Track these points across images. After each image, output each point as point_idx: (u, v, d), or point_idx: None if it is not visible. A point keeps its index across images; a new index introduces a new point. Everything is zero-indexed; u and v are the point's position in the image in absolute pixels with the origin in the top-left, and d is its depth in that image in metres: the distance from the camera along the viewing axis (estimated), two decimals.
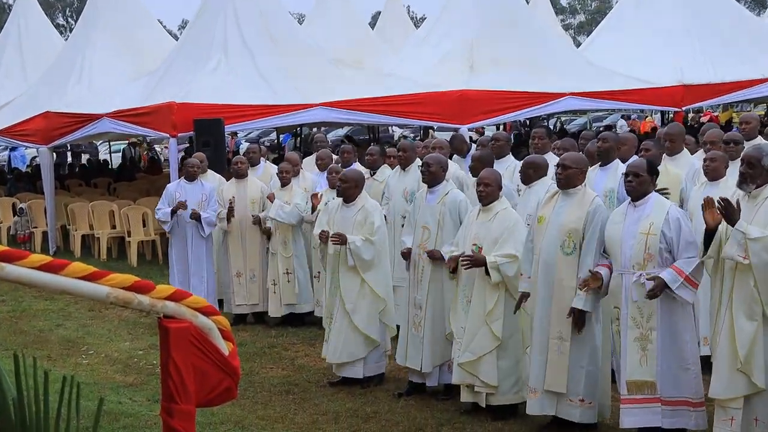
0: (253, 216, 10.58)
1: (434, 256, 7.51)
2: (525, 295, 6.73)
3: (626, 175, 6.37)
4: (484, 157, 8.54)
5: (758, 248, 5.75)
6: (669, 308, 6.15)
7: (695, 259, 6.08)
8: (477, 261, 6.96)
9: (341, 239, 7.98)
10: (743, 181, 6.01)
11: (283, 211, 10.14)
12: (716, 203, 5.88)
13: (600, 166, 8.09)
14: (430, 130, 22.03)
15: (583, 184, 6.75)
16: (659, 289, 6.07)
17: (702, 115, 30.38)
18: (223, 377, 3.20)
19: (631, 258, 6.21)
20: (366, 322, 8.07)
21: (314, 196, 10.01)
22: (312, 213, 9.97)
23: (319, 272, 9.97)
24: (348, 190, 8.15)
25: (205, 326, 3.12)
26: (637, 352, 6.17)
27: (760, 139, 8.99)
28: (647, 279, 6.11)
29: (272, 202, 10.25)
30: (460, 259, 7.03)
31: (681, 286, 6.04)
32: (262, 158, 12.67)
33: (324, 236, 8.11)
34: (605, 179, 7.92)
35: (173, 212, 10.49)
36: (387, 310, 8.15)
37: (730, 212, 5.83)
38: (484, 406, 7.06)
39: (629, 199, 6.41)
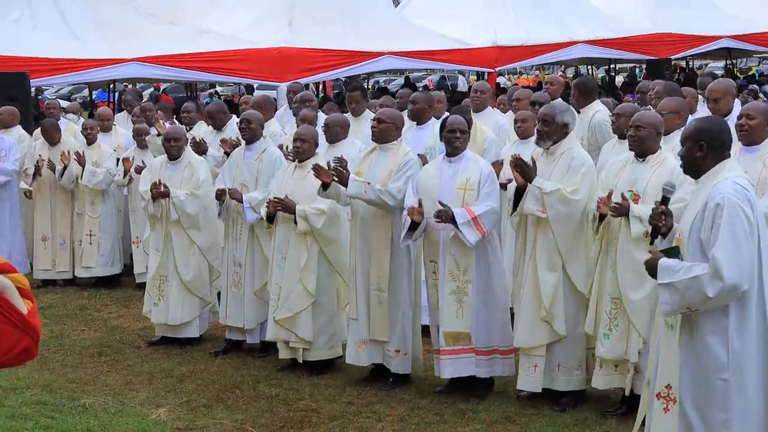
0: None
1: (233, 196, 7.46)
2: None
3: (450, 131, 6.47)
4: None
5: (553, 201, 6.03)
6: (485, 261, 6.35)
7: (489, 207, 6.23)
8: (287, 207, 6.97)
9: (164, 192, 7.81)
10: (540, 138, 6.28)
11: (95, 178, 9.86)
12: (510, 162, 6.10)
13: (416, 125, 8.19)
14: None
15: (398, 139, 6.85)
16: (444, 218, 6.17)
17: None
18: (21, 336, 3.08)
19: None
20: (198, 281, 7.97)
21: (125, 160, 9.66)
22: (124, 177, 9.71)
23: (138, 237, 9.66)
24: (173, 148, 8.00)
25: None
26: (453, 304, 6.35)
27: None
28: (439, 203, 6.23)
29: (81, 166, 9.84)
30: (269, 200, 7.03)
31: (466, 224, 6.17)
32: (61, 115, 12.19)
33: (153, 192, 7.87)
34: (423, 138, 8.04)
35: None
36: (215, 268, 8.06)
37: (524, 170, 6.07)
38: (301, 361, 7.13)
39: (443, 153, 6.54)
